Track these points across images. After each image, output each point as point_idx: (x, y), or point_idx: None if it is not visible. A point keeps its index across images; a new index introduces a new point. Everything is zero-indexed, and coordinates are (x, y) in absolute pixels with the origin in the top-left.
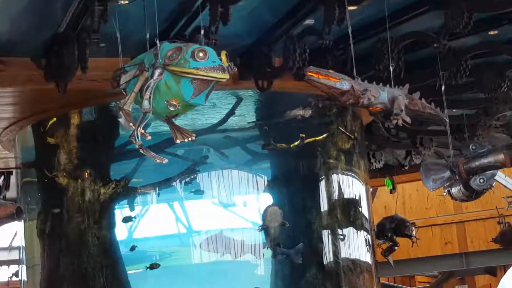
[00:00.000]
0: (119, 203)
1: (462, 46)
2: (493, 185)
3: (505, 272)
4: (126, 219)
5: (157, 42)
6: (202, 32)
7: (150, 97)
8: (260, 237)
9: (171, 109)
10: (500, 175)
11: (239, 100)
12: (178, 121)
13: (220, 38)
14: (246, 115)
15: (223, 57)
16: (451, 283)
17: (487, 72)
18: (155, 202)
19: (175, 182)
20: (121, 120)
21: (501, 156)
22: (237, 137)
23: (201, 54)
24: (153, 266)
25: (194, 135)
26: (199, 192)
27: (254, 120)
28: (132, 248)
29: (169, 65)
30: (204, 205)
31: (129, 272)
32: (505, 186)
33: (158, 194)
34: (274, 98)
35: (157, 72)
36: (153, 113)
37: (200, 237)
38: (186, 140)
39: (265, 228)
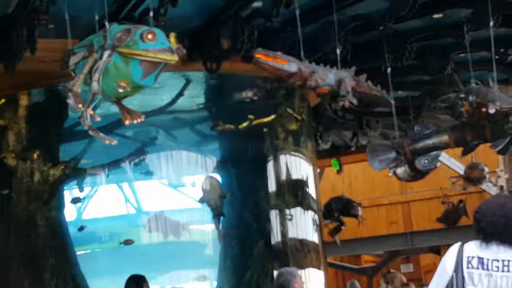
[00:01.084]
0: (68, 184)
1: (407, 29)
2: (437, 165)
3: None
4: (75, 200)
5: (106, 23)
6: (151, 14)
7: (99, 79)
8: (208, 217)
9: (120, 90)
10: (444, 156)
11: (188, 82)
12: (127, 103)
13: (169, 20)
14: (195, 96)
15: (172, 39)
16: (397, 262)
17: (432, 54)
18: (104, 183)
19: (124, 163)
20: (70, 101)
21: (445, 137)
22: (186, 119)
23: (150, 36)
24: (127, 242)
25: (143, 116)
26: (148, 173)
27: (203, 101)
28: (81, 228)
29: (118, 47)
30: (153, 186)
31: (78, 253)
32: (449, 166)
33: (107, 175)
34: (223, 80)
35: (106, 53)
36: (102, 95)
37: (149, 218)
38: (135, 122)
39: (205, 200)
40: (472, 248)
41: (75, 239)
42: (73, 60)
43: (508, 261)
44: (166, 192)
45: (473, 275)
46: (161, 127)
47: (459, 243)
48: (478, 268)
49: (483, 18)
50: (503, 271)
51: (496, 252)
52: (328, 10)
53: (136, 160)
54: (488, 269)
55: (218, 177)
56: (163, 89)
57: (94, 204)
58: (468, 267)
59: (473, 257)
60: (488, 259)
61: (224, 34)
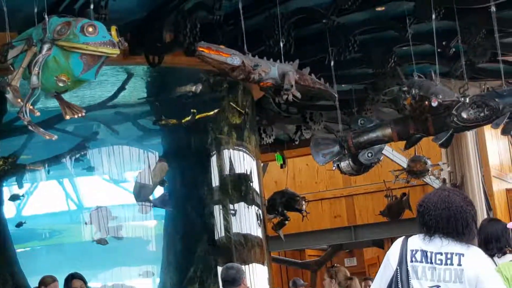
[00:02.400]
0: (7, 181)
1: (350, 22)
2: (380, 159)
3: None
4: (14, 197)
5: (46, 16)
6: (92, 6)
7: (38, 73)
8: (152, 214)
9: (60, 84)
10: (387, 149)
11: (130, 75)
12: (67, 97)
13: (110, 13)
14: (137, 90)
15: (113, 32)
16: (340, 256)
17: (375, 47)
18: (45, 179)
19: (65, 159)
20: (9, 96)
21: (388, 131)
22: (128, 113)
23: (90, 29)
24: (100, 241)
25: (84, 111)
26: (89, 169)
27: (145, 95)
28: (19, 224)
29: (58, 40)
30: (95, 181)
31: (18, 250)
32: (392, 160)
33: (48, 171)
34: (165, 73)
35: (45, 47)
36: (42, 89)
37: (90, 214)
38: (75, 116)
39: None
40: (416, 241)
41: (15, 236)
42: (11, 53)
43: (452, 254)
44: (108, 187)
45: (417, 269)
46: (102, 121)
47: (403, 237)
48: (422, 262)
49: (425, 11)
50: (446, 264)
51: (439, 245)
52: (271, 3)
53: (77, 156)
54: (431, 263)
55: (167, 164)
56: (104, 83)
57: (34, 200)
58: (412, 261)
59: (417, 251)
60: (431, 252)
61: (166, 27)
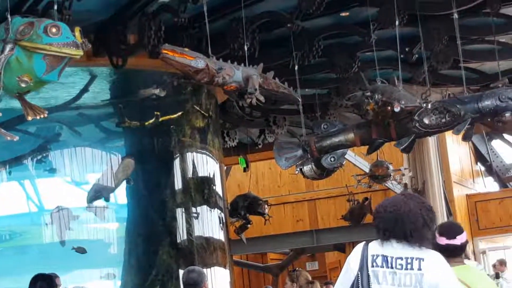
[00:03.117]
0: None
1: (315, 27)
2: (343, 163)
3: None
4: None
5: (8, 16)
6: (56, 7)
7: (0, 73)
8: (113, 216)
9: (23, 85)
10: (350, 154)
11: (93, 77)
12: (29, 98)
13: (74, 14)
14: (100, 92)
15: (77, 33)
16: (302, 260)
17: (338, 52)
18: (5, 180)
19: (26, 160)
20: None
21: (351, 135)
22: (90, 115)
23: (54, 30)
24: (79, 250)
25: (46, 112)
26: (51, 170)
27: (109, 97)
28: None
29: (20, 40)
30: (57, 183)
31: None
32: (354, 164)
33: (9, 172)
34: (129, 75)
35: (8, 47)
36: (4, 90)
37: (51, 216)
38: (38, 117)
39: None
40: (376, 246)
41: None
42: None
43: (412, 258)
44: (69, 189)
45: (378, 273)
46: (65, 123)
47: (363, 242)
48: (382, 266)
49: (389, 17)
50: (406, 268)
51: (397, 250)
52: (236, 7)
53: (39, 157)
54: (392, 267)
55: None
56: (67, 85)
57: None
58: (373, 266)
59: (377, 256)
60: (392, 257)
61: (131, 29)
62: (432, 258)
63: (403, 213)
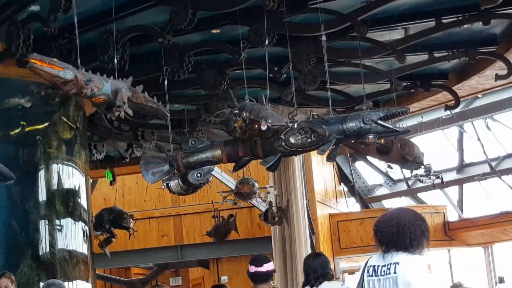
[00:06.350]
0: None
1: (186, 43)
2: (209, 180)
3: (217, 264)
4: None
5: None
6: None
7: None
8: None
9: None
10: (217, 170)
11: None
12: None
13: None
14: None
15: None
16: (166, 275)
17: (208, 69)
18: None
19: None
20: None
21: (218, 152)
22: None
23: None
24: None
25: None
26: None
27: None
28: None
29: None
30: None
31: None
32: (221, 181)
33: None
34: None
35: None
36: None
37: None
38: None
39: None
40: (374, 259)
41: None
42: None
43: (390, 264)
44: None
45: (370, 282)
46: None
47: (369, 256)
48: (372, 276)
49: (259, 36)
50: (387, 274)
51: (387, 258)
52: (108, 19)
53: None
54: (377, 275)
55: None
56: None
57: None
58: (367, 276)
59: (370, 266)
60: (378, 266)
61: None
62: (407, 261)
63: (404, 225)
